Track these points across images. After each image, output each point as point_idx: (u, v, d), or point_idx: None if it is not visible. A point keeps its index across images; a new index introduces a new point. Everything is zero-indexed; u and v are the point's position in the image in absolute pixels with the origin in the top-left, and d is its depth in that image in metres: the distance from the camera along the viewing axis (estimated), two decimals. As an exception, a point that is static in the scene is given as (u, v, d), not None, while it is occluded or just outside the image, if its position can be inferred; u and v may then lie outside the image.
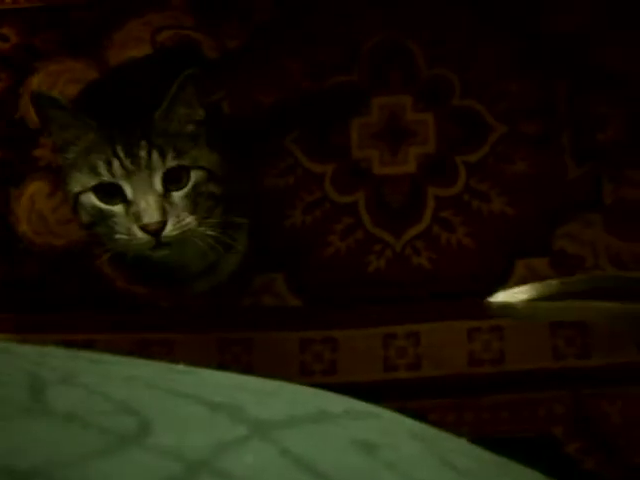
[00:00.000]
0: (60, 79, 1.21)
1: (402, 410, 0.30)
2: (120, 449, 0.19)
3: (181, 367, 0.29)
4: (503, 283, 1.11)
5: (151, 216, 0.74)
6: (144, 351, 1.13)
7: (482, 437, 0.30)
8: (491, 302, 0.74)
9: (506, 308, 0.74)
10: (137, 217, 0.74)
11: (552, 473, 0.32)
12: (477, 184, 1.15)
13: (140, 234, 0.75)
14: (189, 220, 0.77)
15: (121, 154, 0.75)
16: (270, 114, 1.18)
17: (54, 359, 0.27)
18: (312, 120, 1.18)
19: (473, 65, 1.17)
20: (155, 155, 0.75)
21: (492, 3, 1.17)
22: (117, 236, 0.76)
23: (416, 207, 1.15)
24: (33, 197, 1.19)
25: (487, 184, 1.15)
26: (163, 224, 0.75)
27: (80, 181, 0.77)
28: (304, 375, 1.12)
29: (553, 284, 0.70)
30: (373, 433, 0.25)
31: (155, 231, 0.75)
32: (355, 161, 1.17)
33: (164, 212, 0.75)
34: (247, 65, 1.19)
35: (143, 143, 0.76)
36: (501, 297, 0.74)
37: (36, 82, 1.21)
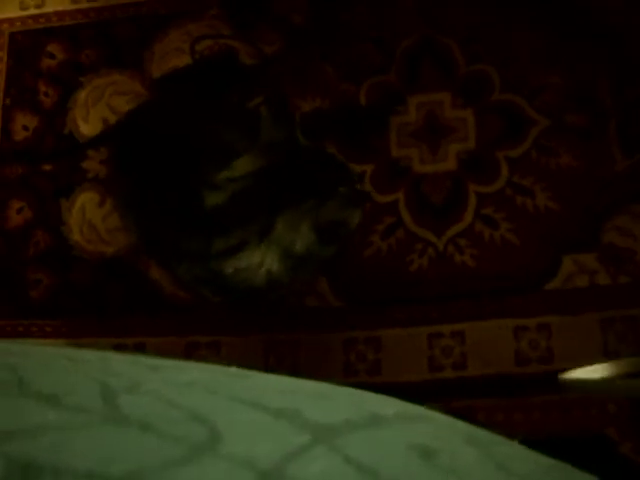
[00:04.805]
0: (106, 92, 1.26)
1: (449, 410, 0.30)
2: (197, 458, 0.19)
3: (234, 370, 0.29)
4: (551, 279, 1.09)
5: None
6: (193, 353, 1.16)
7: (533, 438, 0.29)
8: (565, 379, 0.71)
9: (581, 385, 0.71)
10: None
11: (606, 474, 0.31)
12: (520, 179, 1.12)
13: None
14: None
15: None
16: (306, 123, 1.18)
17: (116, 364, 0.28)
18: (348, 130, 1.18)
19: (512, 59, 1.15)
20: None
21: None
22: None
23: (457, 204, 1.14)
24: (84, 207, 1.24)
25: (530, 179, 1.12)
26: None
27: None
28: (348, 375, 1.12)
29: (629, 362, 0.68)
30: (428, 438, 0.25)
31: None
32: (395, 160, 1.16)
33: None
34: (284, 70, 1.21)
35: None
36: (576, 374, 0.71)
37: (83, 96, 1.26)
